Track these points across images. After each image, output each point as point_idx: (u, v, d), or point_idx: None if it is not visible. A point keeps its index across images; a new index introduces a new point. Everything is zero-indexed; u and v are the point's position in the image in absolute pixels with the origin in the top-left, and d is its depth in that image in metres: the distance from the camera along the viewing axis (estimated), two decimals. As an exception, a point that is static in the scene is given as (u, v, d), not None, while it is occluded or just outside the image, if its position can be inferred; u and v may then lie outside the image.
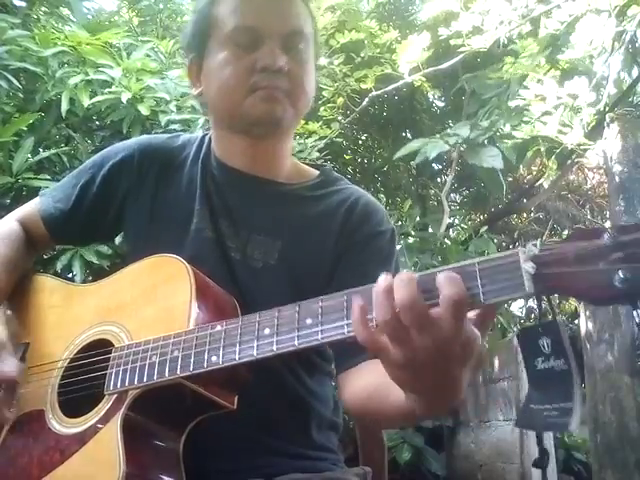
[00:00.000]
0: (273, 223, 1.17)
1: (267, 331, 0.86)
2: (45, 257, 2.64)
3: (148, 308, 1.04)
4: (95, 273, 2.62)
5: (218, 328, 0.92)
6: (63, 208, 1.27)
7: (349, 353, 1.07)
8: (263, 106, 1.10)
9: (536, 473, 4.44)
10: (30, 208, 1.32)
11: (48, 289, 1.24)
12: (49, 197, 1.31)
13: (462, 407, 5.41)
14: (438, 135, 3.69)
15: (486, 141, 3.53)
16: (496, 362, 5.06)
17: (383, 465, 1.44)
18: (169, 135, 1.35)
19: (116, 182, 1.25)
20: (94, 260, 2.54)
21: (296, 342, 0.83)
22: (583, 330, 4.51)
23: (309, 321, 0.83)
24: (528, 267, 0.68)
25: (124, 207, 1.25)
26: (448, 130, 3.81)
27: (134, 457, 0.92)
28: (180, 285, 1.01)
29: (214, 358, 0.89)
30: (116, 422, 0.94)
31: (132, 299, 1.08)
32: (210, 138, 1.27)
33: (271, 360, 0.86)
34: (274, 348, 0.85)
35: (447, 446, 5.20)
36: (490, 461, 4.90)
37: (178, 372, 0.92)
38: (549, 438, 4.57)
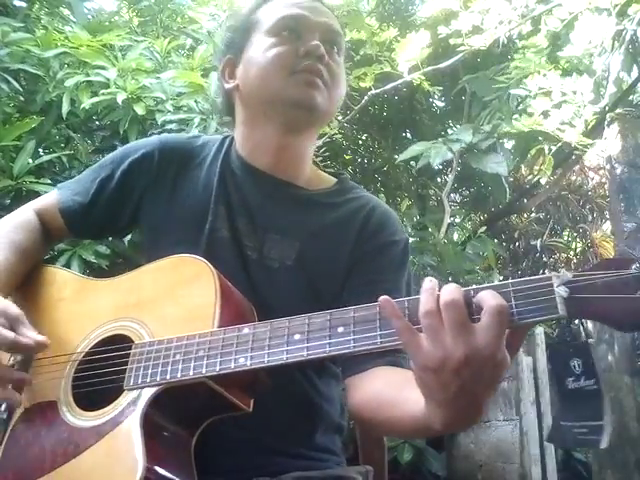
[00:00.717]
0: (291, 225, 1.19)
1: (297, 337, 0.89)
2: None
3: (170, 307, 1.05)
4: (94, 273, 2.63)
5: (246, 331, 0.93)
6: (82, 201, 1.28)
7: (360, 357, 1.07)
8: (304, 89, 1.14)
9: (536, 473, 4.43)
10: (48, 200, 1.32)
11: (59, 281, 1.24)
12: (67, 190, 1.31)
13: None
14: (440, 139, 3.67)
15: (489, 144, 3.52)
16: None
17: (383, 465, 1.44)
18: (190, 135, 1.38)
19: (135, 178, 1.26)
20: (92, 260, 2.55)
21: (328, 348, 0.86)
22: (583, 331, 4.50)
23: (341, 329, 0.86)
24: (561, 291, 0.72)
25: (141, 203, 1.26)
26: (450, 134, 3.79)
27: (153, 452, 0.92)
28: (204, 286, 1.02)
29: (242, 360, 0.91)
30: (136, 417, 0.94)
31: (153, 297, 1.08)
32: (231, 140, 1.29)
33: (297, 365, 0.88)
34: (305, 353, 0.87)
35: (447, 446, 5.19)
36: (490, 461, 4.89)
37: (203, 371, 0.93)
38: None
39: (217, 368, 0.92)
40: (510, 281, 0.77)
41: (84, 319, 1.13)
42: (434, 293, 0.77)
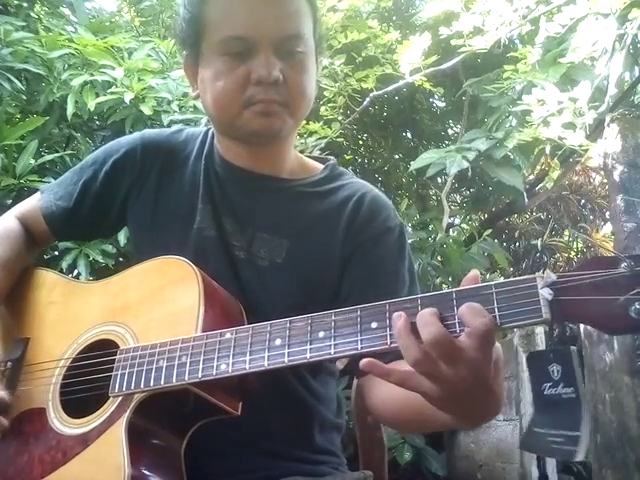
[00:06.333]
0: (278, 221, 1.16)
1: (278, 342, 0.87)
2: (50, 256, 2.66)
3: (155, 310, 1.04)
4: (100, 272, 2.64)
5: (228, 336, 0.92)
6: (65, 206, 1.26)
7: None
8: (260, 120, 1.08)
9: (536, 473, 4.44)
10: (31, 205, 1.30)
11: (49, 284, 1.24)
12: (50, 194, 1.29)
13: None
14: (453, 147, 3.63)
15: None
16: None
17: (383, 465, 1.44)
18: (173, 130, 1.33)
19: (119, 179, 1.23)
20: (99, 259, 2.56)
21: (308, 355, 0.84)
22: (583, 330, 4.51)
23: (322, 334, 0.84)
24: (545, 293, 0.68)
25: (126, 204, 1.24)
26: (452, 135, 3.77)
27: (138, 460, 0.92)
28: (188, 289, 1.01)
29: (223, 366, 0.90)
30: (121, 425, 0.94)
31: (138, 300, 1.08)
32: (214, 133, 1.25)
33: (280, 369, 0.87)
34: (285, 360, 0.86)
35: (447, 446, 5.19)
36: (490, 461, 4.89)
37: (186, 378, 0.93)
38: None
39: (199, 375, 0.91)
40: (493, 282, 0.74)
41: (72, 323, 1.13)
42: (414, 335, 0.73)
